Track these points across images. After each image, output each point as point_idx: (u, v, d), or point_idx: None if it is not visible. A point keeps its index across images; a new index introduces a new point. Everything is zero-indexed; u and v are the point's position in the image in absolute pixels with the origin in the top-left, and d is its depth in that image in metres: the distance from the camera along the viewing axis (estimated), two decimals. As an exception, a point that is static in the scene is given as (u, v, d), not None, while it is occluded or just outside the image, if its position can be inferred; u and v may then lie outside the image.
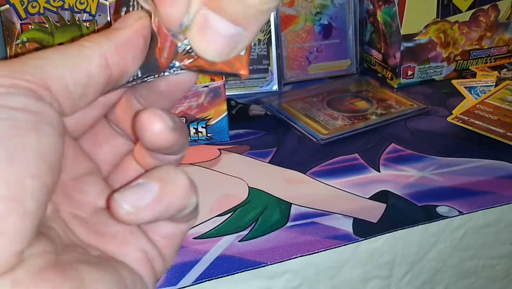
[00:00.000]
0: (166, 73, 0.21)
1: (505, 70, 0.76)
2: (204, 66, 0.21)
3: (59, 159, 0.18)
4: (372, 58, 0.80)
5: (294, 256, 0.43)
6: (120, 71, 0.21)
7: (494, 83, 0.72)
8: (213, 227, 0.46)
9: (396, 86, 0.74)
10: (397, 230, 0.46)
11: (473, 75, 0.76)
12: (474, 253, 0.50)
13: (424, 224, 0.46)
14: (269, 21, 0.73)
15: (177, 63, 0.21)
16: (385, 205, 0.49)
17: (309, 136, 0.61)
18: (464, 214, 0.47)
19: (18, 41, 0.55)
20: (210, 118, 0.60)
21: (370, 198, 0.50)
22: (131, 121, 0.24)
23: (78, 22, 0.56)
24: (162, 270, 0.23)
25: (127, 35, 0.21)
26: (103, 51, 0.20)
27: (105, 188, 0.23)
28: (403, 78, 0.74)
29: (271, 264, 0.43)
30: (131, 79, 0.22)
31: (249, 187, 0.52)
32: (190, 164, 0.57)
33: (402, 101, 0.69)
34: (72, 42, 0.20)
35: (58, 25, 0.56)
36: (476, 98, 0.68)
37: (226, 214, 0.48)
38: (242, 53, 0.20)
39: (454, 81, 0.74)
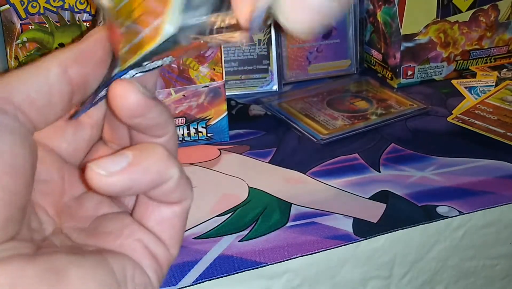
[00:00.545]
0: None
1: (505, 70, 0.76)
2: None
3: (23, 164, 0.19)
4: (372, 58, 0.80)
5: (294, 256, 0.43)
6: (81, 79, 0.22)
7: (494, 83, 0.72)
8: (213, 227, 0.46)
9: (396, 86, 0.74)
10: (397, 230, 0.46)
11: (473, 75, 0.76)
12: (474, 253, 0.50)
13: (424, 224, 0.46)
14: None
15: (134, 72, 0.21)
16: (385, 205, 0.49)
17: (309, 136, 0.61)
18: (464, 214, 0.47)
19: (18, 41, 0.55)
20: (210, 118, 0.60)
21: (370, 198, 0.50)
22: (120, 132, 0.24)
23: (78, 22, 0.56)
24: (166, 255, 0.24)
25: (86, 45, 0.22)
26: (61, 61, 0.21)
27: (103, 198, 0.24)
28: (403, 78, 0.74)
29: (271, 264, 0.43)
30: (103, 93, 0.22)
31: (249, 187, 0.52)
32: (190, 164, 0.57)
33: (402, 101, 0.69)
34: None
35: (58, 25, 0.56)
36: (476, 98, 0.68)
37: (226, 214, 0.48)
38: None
39: (454, 81, 0.74)
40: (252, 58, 0.74)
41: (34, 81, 0.21)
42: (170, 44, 0.20)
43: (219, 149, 0.60)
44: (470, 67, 0.77)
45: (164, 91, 0.57)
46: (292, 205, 0.49)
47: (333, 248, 0.44)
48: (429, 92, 0.72)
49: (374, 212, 0.48)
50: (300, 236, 0.45)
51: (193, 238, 0.45)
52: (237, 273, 0.42)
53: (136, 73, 0.22)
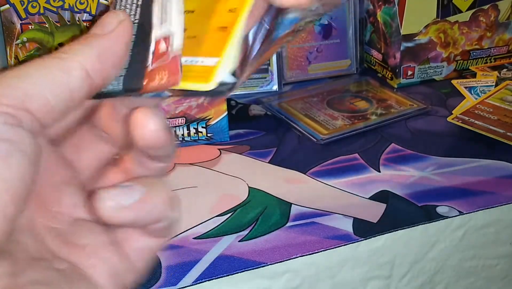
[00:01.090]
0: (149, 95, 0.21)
1: (505, 70, 0.76)
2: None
3: (27, 188, 0.18)
4: (372, 58, 0.80)
5: (294, 256, 0.43)
6: (102, 79, 0.20)
7: (494, 83, 0.72)
8: (213, 227, 0.46)
9: (396, 86, 0.74)
10: (397, 230, 0.46)
11: (473, 75, 0.76)
12: (474, 253, 0.50)
13: (424, 224, 0.46)
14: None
15: (167, 93, 0.21)
16: (385, 205, 0.49)
17: (309, 136, 0.61)
18: (464, 214, 0.47)
19: (18, 41, 0.55)
20: (210, 118, 0.60)
21: (370, 198, 0.50)
22: (117, 123, 0.23)
23: (78, 22, 0.56)
24: (132, 283, 0.23)
25: (108, 43, 0.20)
26: (82, 62, 0.20)
27: (82, 199, 0.23)
28: (403, 78, 0.74)
29: (271, 264, 0.43)
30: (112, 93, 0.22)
31: (249, 187, 0.52)
32: (190, 164, 0.57)
33: (402, 101, 0.69)
34: (51, 53, 0.20)
35: (58, 25, 0.56)
36: (476, 98, 0.68)
37: (226, 214, 0.48)
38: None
39: (454, 81, 0.74)
40: (252, 58, 0.73)
41: (54, 85, 0.19)
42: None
43: (219, 149, 0.60)
44: (470, 67, 0.77)
45: (164, 91, 0.57)
46: (292, 205, 0.49)
47: (333, 248, 0.44)
48: (429, 92, 0.72)
49: (374, 212, 0.48)
50: (300, 236, 0.45)
51: (193, 238, 0.45)
52: (237, 273, 0.42)
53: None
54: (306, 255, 0.43)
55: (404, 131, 0.62)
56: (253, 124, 0.65)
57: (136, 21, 0.22)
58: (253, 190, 0.52)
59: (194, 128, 0.60)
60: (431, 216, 0.47)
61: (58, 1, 0.55)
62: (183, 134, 0.60)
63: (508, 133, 0.59)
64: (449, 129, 0.62)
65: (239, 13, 0.21)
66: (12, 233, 0.19)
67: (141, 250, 0.23)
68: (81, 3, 0.55)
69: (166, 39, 0.21)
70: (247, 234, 0.45)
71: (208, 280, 0.41)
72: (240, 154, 0.59)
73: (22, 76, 0.19)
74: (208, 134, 0.61)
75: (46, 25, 0.55)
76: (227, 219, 0.47)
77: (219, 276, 0.41)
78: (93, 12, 0.56)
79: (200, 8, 0.22)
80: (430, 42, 0.73)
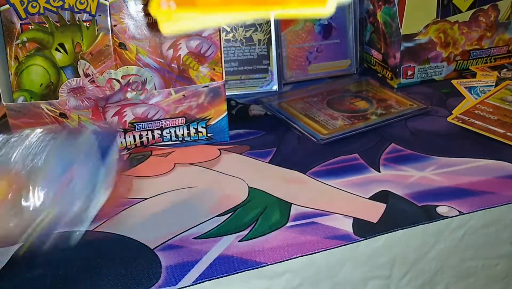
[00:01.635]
0: None
1: (505, 70, 0.76)
2: None
3: None
4: (372, 58, 0.80)
5: (294, 256, 0.43)
6: None
7: (494, 83, 0.72)
8: (213, 227, 0.46)
9: (396, 86, 0.74)
10: (397, 230, 0.46)
11: (473, 75, 0.76)
12: (474, 253, 0.50)
13: (424, 224, 0.46)
14: (269, 21, 0.73)
15: None
16: (385, 205, 0.49)
17: (309, 136, 0.61)
18: (464, 214, 0.47)
19: (18, 41, 0.55)
20: (210, 118, 0.60)
21: (370, 198, 0.50)
22: None
23: (78, 22, 0.56)
24: None
25: None
26: None
27: None
28: (403, 78, 0.74)
29: (271, 264, 0.43)
30: None
31: (249, 187, 0.52)
32: (190, 164, 0.57)
33: (402, 101, 0.69)
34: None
35: (58, 25, 0.56)
36: (476, 98, 0.68)
37: (226, 214, 0.48)
38: None
39: (454, 81, 0.74)
40: (252, 58, 0.74)
41: None
42: None
43: (219, 149, 0.60)
44: (470, 67, 0.77)
45: (164, 91, 0.57)
46: (292, 205, 0.49)
47: (333, 248, 0.44)
48: (429, 92, 0.72)
49: (374, 212, 0.48)
50: (300, 236, 0.45)
51: (193, 238, 0.45)
52: (237, 273, 0.42)
53: None
54: (306, 255, 0.43)
55: (404, 131, 0.62)
56: (253, 124, 0.65)
57: None
58: (253, 190, 0.52)
59: (194, 128, 0.60)
60: (431, 216, 0.47)
61: (58, 1, 0.55)
62: (183, 134, 0.60)
63: (508, 133, 0.59)
64: (449, 129, 0.62)
65: None
66: None
67: None
68: (81, 3, 0.55)
69: None
70: (247, 234, 0.45)
71: (208, 280, 0.41)
72: (240, 154, 0.59)
73: None
74: (208, 134, 0.61)
75: (46, 25, 0.55)
76: (227, 219, 0.47)
77: (219, 276, 0.41)
78: (93, 12, 0.56)
79: None
80: (430, 42, 0.73)
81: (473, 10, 0.73)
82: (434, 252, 0.48)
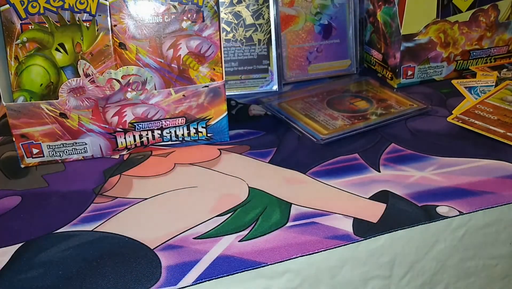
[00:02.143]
0: None
1: (505, 70, 0.76)
2: None
3: None
4: (372, 58, 0.80)
5: (294, 256, 0.43)
6: None
7: (494, 83, 0.72)
8: (213, 227, 0.46)
9: (396, 86, 0.74)
10: (397, 230, 0.46)
11: (473, 75, 0.76)
12: (474, 253, 0.50)
13: (424, 224, 0.46)
14: (269, 21, 0.73)
15: None
16: (385, 205, 0.49)
17: (309, 136, 0.61)
18: (464, 214, 0.47)
19: (18, 41, 0.55)
20: (210, 118, 0.60)
21: (370, 198, 0.50)
22: None
23: (78, 22, 0.56)
24: None
25: None
26: None
27: None
28: (403, 78, 0.74)
29: (271, 264, 0.43)
30: None
31: (249, 187, 0.52)
32: (190, 164, 0.57)
33: (402, 101, 0.69)
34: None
35: (58, 25, 0.56)
36: (476, 98, 0.68)
37: (226, 214, 0.48)
38: None
39: (454, 81, 0.74)
40: (252, 58, 0.74)
41: None
42: None
43: (219, 149, 0.60)
44: (470, 67, 0.77)
45: (164, 91, 0.57)
46: (292, 205, 0.49)
47: (333, 248, 0.44)
48: (429, 92, 0.72)
49: (374, 212, 0.48)
50: (300, 236, 0.45)
51: (193, 238, 0.45)
52: (237, 273, 0.42)
53: None
54: (306, 255, 0.43)
55: (404, 131, 0.62)
56: (253, 124, 0.65)
57: None
58: (253, 190, 0.52)
59: (194, 128, 0.60)
60: (431, 216, 0.47)
61: (58, 1, 0.55)
62: (183, 134, 0.60)
63: (508, 134, 0.59)
64: (449, 129, 0.62)
65: None
66: None
67: None
68: (81, 3, 0.55)
69: None
70: (247, 234, 0.45)
71: (208, 280, 0.41)
72: (240, 154, 0.59)
73: None
74: (208, 134, 0.61)
75: (46, 25, 0.55)
76: (227, 219, 0.47)
77: (219, 276, 0.41)
78: (93, 12, 0.56)
79: None
80: (430, 42, 0.73)
81: (473, 10, 0.73)
82: (434, 252, 0.48)
